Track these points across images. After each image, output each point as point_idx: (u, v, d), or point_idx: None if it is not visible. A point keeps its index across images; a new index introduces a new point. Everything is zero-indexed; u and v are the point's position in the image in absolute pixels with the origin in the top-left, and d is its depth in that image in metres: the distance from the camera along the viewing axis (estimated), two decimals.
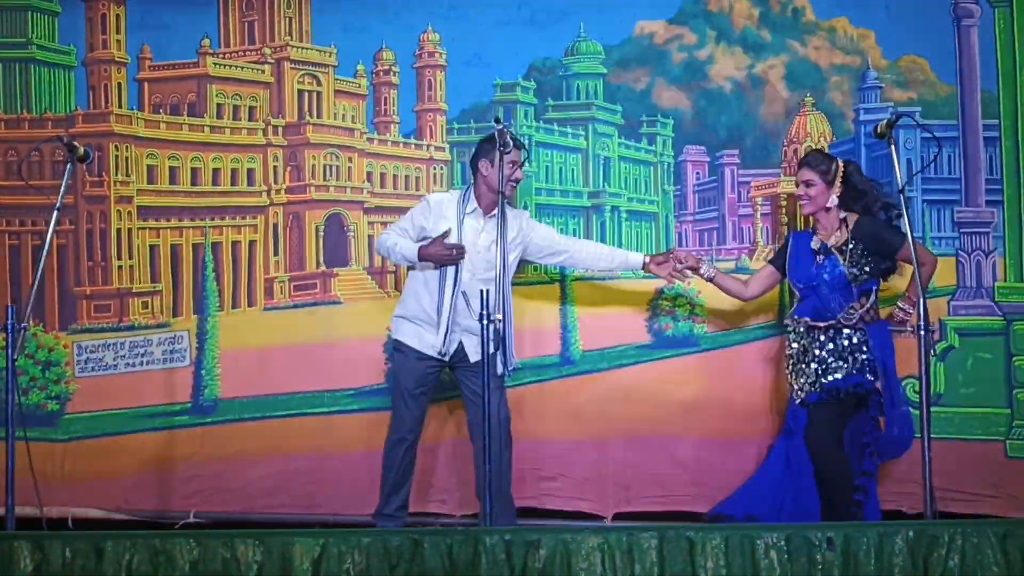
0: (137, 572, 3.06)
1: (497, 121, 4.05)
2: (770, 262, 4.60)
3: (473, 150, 4.55)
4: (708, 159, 5.12)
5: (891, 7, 5.01)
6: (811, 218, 4.42)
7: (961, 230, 4.95)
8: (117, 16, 5.26)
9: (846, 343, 4.23)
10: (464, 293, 4.23)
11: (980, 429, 4.82)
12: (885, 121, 4.01)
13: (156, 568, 3.07)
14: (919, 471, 3.69)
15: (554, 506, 4.84)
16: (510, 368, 4.22)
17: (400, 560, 3.13)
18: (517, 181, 4.39)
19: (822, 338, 4.26)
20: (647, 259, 4.56)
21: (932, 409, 3.77)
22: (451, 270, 4.33)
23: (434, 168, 5.25)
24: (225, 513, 4.86)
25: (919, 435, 3.72)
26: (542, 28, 5.13)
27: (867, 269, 4.27)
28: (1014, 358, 4.86)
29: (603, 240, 5.07)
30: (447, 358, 4.37)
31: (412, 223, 4.45)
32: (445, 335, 4.30)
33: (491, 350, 3.74)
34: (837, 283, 4.25)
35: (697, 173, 5.16)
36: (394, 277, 5.11)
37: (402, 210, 5.18)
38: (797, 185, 4.38)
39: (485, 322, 3.80)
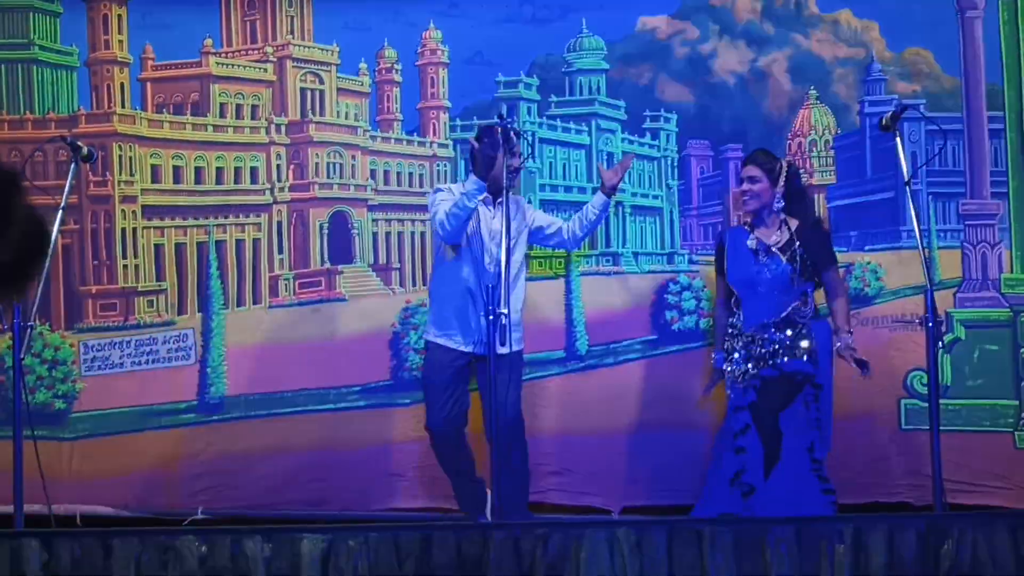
0: (146, 569, 3.06)
1: (500, 117, 4.05)
2: (718, 273, 4.38)
3: (474, 137, 4.51)
4: (712, 153, 5.11)
5: None
6: (748, 216, 4.31)
7: (966, 222, 4.93)
8: (119, 16, 5.25)
9: (789, 332, 4.15)
10: (470, 288, 4.22)
11: (988, 421, 4.81)
12: (890, 113, 3.99)
13: (164, 565, 3.07)
14: (927, 464, 3.68)
15: (561, 501, 4.83)
16: (512, 349, 4.19)
17: (409, 555, 3.13)
18: (517, 169, 4.36)
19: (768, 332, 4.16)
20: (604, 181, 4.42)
21: (940, 401, 3.74)
22: (472, 262, 4.29)
23: (437, 165, 5.25)
24: (232, 510, 4.85)
25: (928, 427, 3.71)
26: (544, 24, 5.12)
27: (808, 271, 4.20)
28: (1021, 349, 4.85)
29: (607, 237, 5.07)
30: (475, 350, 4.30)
31: (448, 192, 4.36)
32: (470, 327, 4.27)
33: (499, 345, 3.73)
34: (778, 282, 4.16)
35: (701, 167, 5.15)
36: (398, 274, 5.11)
37: (406, 207, 5.20)
38: (741, 182, 4.30)
39: (491, 317, 3.80)
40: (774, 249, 4.18)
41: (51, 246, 4.02)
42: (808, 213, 4.31)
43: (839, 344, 4.16)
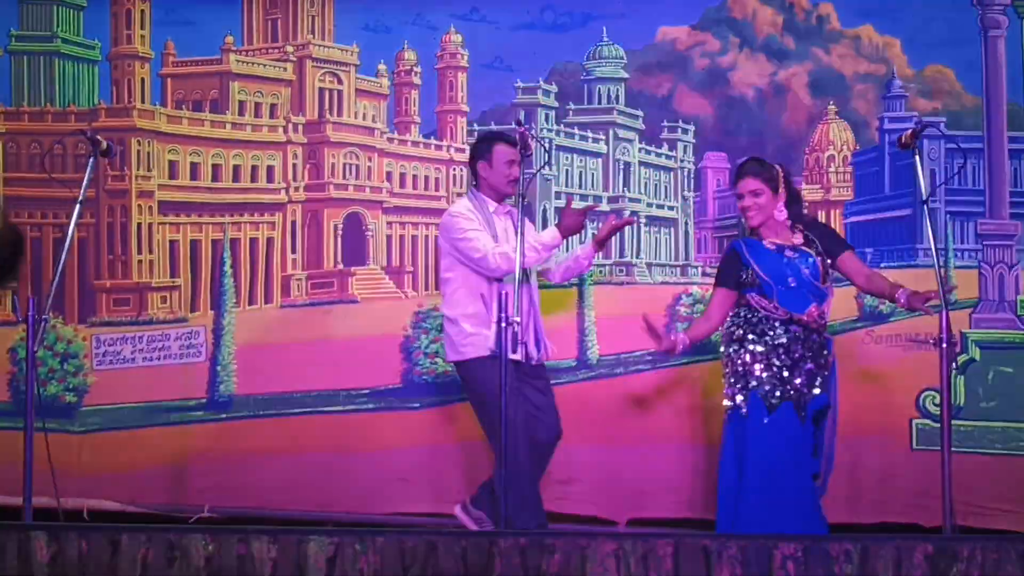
0: (152, 566, 3.07)
1: (518, 123, 4.04)
2: (720, 285, 4.08)
3: (468, 154, 4.41)
4: (729, 166, 5.09)
5: (917, 16, 4.97)
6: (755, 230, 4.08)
7: (984, 242, 4.91)
8: (142, 11, 5.28)
9: (821, 352, 3.95)
10: (482, 295, 4.20)
11: (1000, 443, 4.77)
12: (910, 131, 3.94)
13: (171, 562, 3.07)
14: (938, 484, 3.65)
15: (567, 510, 4.82)
16: (533, 360, 4.14)
17: (414, 561, 3.12)
18: (513, 180, 4.16)
19: (792, 335, 3.93)
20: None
21: (952, 422, 3.72)
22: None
23: (453, 169, 5.25)
24: (239, 509, 4.86)
25: (939, 448, 3.69)
26: (564, 32, 5.13)
27: (828, 269, 4.02)
28: None
29: (621, 247, 5.06)
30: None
31: (478, 229, 4.12)
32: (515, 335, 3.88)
33: (510, 351, 3.70)
34: (811, 279, 3.95)
35: (717, 180, 5.14)
36: (411, 277, 5.11)
37: (421, 210, 5.20)
38: (740, 197, 4.04)
39: (504, 324, 3.78)
40: (799, 248, 4.02)
41: (24, 247, 4.00)
42: (804, 213, 4.21)
43: (902, 298, 3.89)
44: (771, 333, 3.94)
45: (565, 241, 4.27)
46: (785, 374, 3.91)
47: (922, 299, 3.85)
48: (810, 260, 4.00)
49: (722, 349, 4.07)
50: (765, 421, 3.87)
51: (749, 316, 3.98)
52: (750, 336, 3.95)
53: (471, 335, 4.11)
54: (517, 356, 3.91)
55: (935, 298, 3.79)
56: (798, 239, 4.06)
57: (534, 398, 4.18)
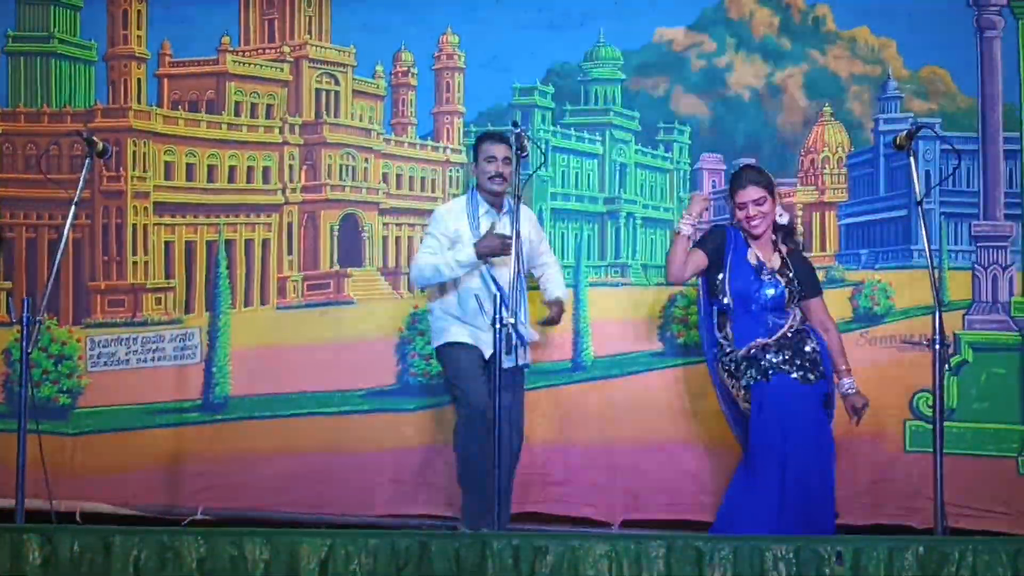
0: (145, 568, 3.07)
1: (515, 124, 4.05)
2: (699, 246, 4.11)
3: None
4: (725, 167, 5.10)
5: (913, 17, 4.97)
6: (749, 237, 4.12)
7: (978, 244, 4.91)
8: (138, 12, 5.29)
9: (804, 348, 4.02)
10: (476, 296, 4.22)
11: (992, 445, 4.78)
12: (905, 132, 3.94)
13: (164, 564, 3.07)
14: (929, 486, 3.66)
15: (561, 511, 4.83)
16: (522, 363, 4.19)
17: (407, 562, 3.13)
18: (493, 176, 4.25)
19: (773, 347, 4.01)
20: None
21: (944, 424, 3.72)
22: (481, 273, 4.24)
23: (450, 171, 5.26)
24: (233, 510, 4.86)
25: (932, 450, 3.69)
26: (561, 32, 5.12)
27: (796, 297, 4.11)
28: None
29: (617, 247, 5.06)
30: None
31: (439, 236, 4.28)
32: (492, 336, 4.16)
33: (506, 353, 3.73)
34: (776, 302, 4.04)
35: (713, 181, 5.14)
36: (407, 279, 5.11)
37: (417, 212, 5.20)
38: (741, 207, 4.03)
39: (498, 325, 3.79)
40: (774, 270, 4.08)
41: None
42: (796, 239, 4.23)
43: (844, 388, 4.06)
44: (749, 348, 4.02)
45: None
46: (786, 356, 3.99)
47: (852, 409, 4.05)
48: (778, 287, 4.05)
49: (716, 378, 4.16)
50: (794, 376, 3.96)
51: (731, 355, 4.07)
52: (740, 368, 4.06)
53: (440, 322, 4.29)
54: (487, 352, 4.09)
55: (864, 414, 4.00)
56: (776, 263, 4.09)
57: (503, 399, 4.20)
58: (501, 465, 3.70)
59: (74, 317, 5.16)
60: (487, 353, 4.19)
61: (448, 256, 4.22)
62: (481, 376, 4.22)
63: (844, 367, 4.08)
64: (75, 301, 5.17)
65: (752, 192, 4.04)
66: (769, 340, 4.02)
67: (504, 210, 4.30)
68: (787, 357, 4.00)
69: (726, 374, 4.11)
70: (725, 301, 4.07)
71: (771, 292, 4.05)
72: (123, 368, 5.11)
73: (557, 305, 4.41)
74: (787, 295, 4.06)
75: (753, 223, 4.04)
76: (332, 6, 5.30)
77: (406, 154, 5.28)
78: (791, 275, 4.09)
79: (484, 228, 4.28)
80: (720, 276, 4.09)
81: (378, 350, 5.01)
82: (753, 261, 4.08)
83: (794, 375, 3.97)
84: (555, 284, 4.48)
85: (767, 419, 3.94)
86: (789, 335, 4.04)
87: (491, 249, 4.19)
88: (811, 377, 3.99)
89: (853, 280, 4.95)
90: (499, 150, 4.26)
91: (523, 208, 4.28)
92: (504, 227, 4.23)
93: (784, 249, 4.15)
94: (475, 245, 4.20)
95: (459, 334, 4.28)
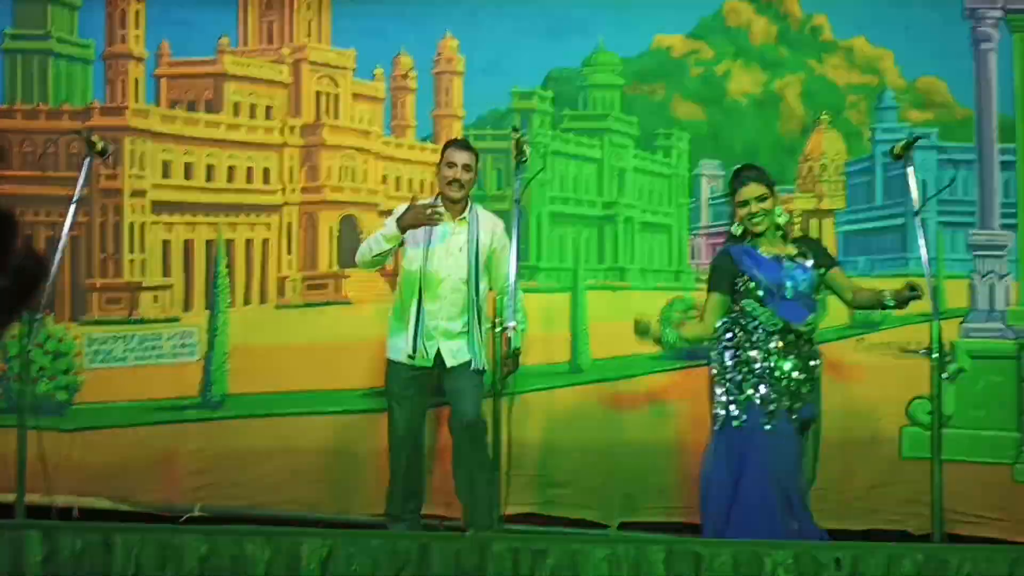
0: (145, 565, 3.06)
1: (514, 129, 4.06)
2: (714, 290, 3.99)
3: None
4: (723, 173, 5.12)
5: (910, 29, 5.00)
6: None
7: (975, 253, 4.94)
8: (137, 11, 5.28)
9: (810, 362, 3.91)
10: (401, 297, 4.21)
11: (989, 452, 4.81)
12: (902, 142, 3.94)
13: (164, 562, 3.07)
14: (927, 492, 3.67)
15: (559, 513, 4.83)
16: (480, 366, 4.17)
17: (407, 563, 3.13)
18: (451, 181, 4.17)
19: (787, 344, 3.88)
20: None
21: (942, 431, 3.74)
22: (420, 276, 4.17)
23: None
24: (230, 508, 4.84)
25: (929, 456, 3.71)
26: (560, 38, 5.14)
27: (819, 280, 4.00)
28: None
29: (616, 252, 5.08)
30: (429, 364, 4.20)
31: (384, 225, 4.28)
32: (414, 340, 4.17)
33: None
34: (806, 289, 3.92)
35: (711, 187, 5.17)
36: None
37: None
38: (743, 205, 3.94)
39: (497, 330, 3.80)
40: (792, 256, 3.98)
41: (48, 275, 3.96)
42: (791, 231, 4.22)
43: (887, 296, 3.83)
44: (766, 341, 3.92)
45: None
46: (782, 383, 3.86)
47: (908, 289, 3.79)
48: (806, 271, 3.96)
49: (712, 355, 3.99)
50: (768, 428, 3.81)
51: (744, 323, 3.96)
52: (746, 344, 3.91)
53: (389, 330, 4.31)
54: (409, 358, 4.16)
55: (918, 290, 3.77)
56: (791, 249, 4.06)
57: (448, 384, 4.23)
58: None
59: (72, 314, 5.14)
60: (403, 357, 4.21)
61: (377, 232, 4.22)
62: (410, 393, 4.24)
63: (877, 291, 3.91)
64: (73, 298, 5.15)
65: (754, 189, 3.98)
66: (795, 331, 3.88)
67: (462, 215, 4.22)
68: (773, 405, 3.85)
69: (717, 375, 3.97)
70: (759, 294, 3.92)
71: (801, 278, 3.94)
72: (120, 365, 5.09)
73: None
74: (814, 277, 3.96)
75: (755, 219, 3.98)
76: (332, 10, 5.30)
77: (405, 156, 5.29)
78: (809, 254, 4.01)
79: (437, 232, 4.18)
80: (740, 283, 3.95)
81: (375, 350, 4.98)
82: (770, 255, 3.99)
83: (769, 426, 3.82)
84: (508, 311, 3.99)
85: (722, 460, 3.87)
86: (810, 335, 3.94)
87: (413, 219, 4.12)
88: (795, 407, 3.85)
89: None
90: (460, 157, 4.18)
91: (487, 215, 4.26)
92: (460, 235, 4.18)
93: (792, 238, 4.08)
94: (398, 220, 4.14)
95: (395, 346, 4.26)
